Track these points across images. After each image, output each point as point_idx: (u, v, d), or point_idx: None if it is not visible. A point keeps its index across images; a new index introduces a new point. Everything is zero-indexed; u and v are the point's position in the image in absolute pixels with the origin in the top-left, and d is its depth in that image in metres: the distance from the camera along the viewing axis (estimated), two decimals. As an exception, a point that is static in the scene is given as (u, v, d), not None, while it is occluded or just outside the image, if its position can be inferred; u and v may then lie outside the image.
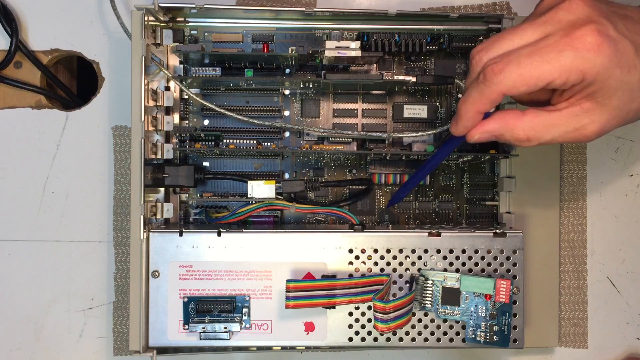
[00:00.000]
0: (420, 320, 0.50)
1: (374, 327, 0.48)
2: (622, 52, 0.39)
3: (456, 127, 0.43)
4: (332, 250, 0.50)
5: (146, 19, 0.51)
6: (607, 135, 0.58)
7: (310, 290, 0.48)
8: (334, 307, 0.49)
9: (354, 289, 0.49)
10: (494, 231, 0.51)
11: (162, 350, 0.51)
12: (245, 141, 0.55)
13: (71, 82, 0.68)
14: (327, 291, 0.48)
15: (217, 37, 0.56)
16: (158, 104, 0.53)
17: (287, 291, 0.48)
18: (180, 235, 0.50)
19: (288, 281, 0.48)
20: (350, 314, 0.50)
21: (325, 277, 0.50)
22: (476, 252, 0.50)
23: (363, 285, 0.49)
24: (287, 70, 0.56)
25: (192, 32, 0.56)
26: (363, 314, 0.50)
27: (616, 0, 0.43)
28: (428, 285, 0.50)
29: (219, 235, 0.50)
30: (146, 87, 0.51)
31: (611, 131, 0.42)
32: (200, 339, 0.50)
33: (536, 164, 0.55)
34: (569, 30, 0.39)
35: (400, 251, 0.50)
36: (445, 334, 0.50)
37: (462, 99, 0.42)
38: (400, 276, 0.50)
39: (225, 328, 0.50)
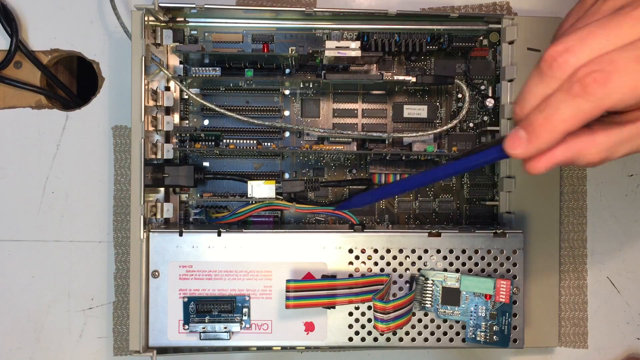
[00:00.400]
0: (420, 320, 0.50)
1: (374, 327, 0.48)
2: None
3: (526, 147, 0.34)
4: (332, 250, 0.50)
5: (146, 19, 0.51)
6: (607, 135, 0.58)
7: (310, 290, 0.48)
8: (334, 307, 0.49)
9: (353, 289, 0.49)
10: (494, 231, 0.51)
11: (162, 350, 0.51)
12: (245, 141, 0.55)
13: (71, 82, 0.68)
14: (327, 291, 0.48)
15: (217, 37, 0.56)
16: (158, 104, 0.53)
17: (287, 291, 0.48)
18: (180, 235, 0.50)
19: (288, 281, 0.48)
20: (350, 314, 0.50)
21: (325, 277, 0.50)
22: (476, 252, 0.50)
23: (363, 285, 0.49)
24: (287, 70, 0.56)
25: (192, 32, 0.56)
26: (363, 314, 0.50)
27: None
28: (428, 285, 0.50)
29: (219, 235, 0.50)
30: (146, 87, 0.51)
31: None
32: (200, 339, 0.50)
33: (536, 164, 0.55)
34: None
35: (400, 251, 0.50)
36: (445, 334, 0.50)
37: (545, 114, 0.33)
38: (400, 276, 0.50)
39: (225, 328, 0.50)
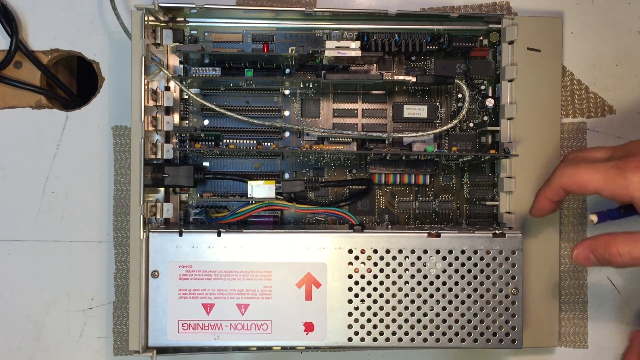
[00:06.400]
0: (419, 321, 0.50)
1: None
2: None
3: None
4: (332, 250, 0.50)
5: (146, 19, 0.51)
6: (607, 135, 0.58)
7: None
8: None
9: None
10: (493, 232, 0.51)
11: (162, 350, 0.51)
12: (245, 141, 0.55)
13: (71, 82, 0.68)
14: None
15: (217, 37, 0.56)
16: (158, 104, 0.53)
17: None
18: (180, 235, 0.50)
19: None
20: (350, 314, 0.50)
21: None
22: (475, 252, 0.50)
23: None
24: (287, 70, 0.56)
25: (192, 32, 0.56)
26: (362, 314, 0.50)
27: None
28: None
29: (219, 235, 0.50)
30: (146, 87, 0.51)
31: None
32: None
33: (536, 164, 0.55)
34: None
35: (400, 251, 0.50)
36: (444, 334, 0.50)
37: None
38: (400, 277, 0.50)
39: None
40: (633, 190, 0.43)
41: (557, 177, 0.47)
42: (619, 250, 0.44)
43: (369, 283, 0.50)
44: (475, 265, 0.50)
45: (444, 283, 0.50)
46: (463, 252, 0.50)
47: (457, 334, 0.50)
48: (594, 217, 0.47)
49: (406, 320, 0.50)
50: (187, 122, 0.57)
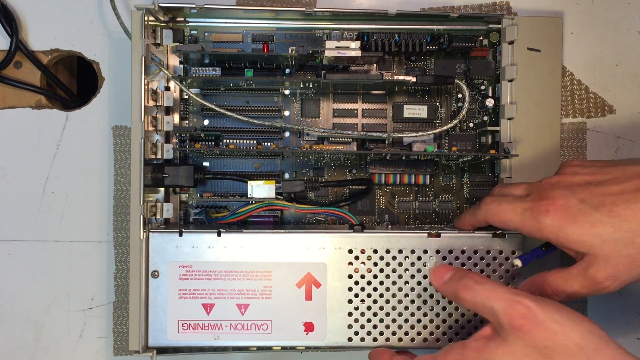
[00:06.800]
0: (419, 321, 0.50)
1: None
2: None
3: None
4: (332, 250, 0.50)
5: (146, 19, 0.51)
6: (606, 135, 0.58)
7: None
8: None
9: None
10: (493, 232, 0.51)
11: (162, 350, 0.51)
12: (245, 141, 0.55)
13: (71, 82, 0.68)
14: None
15: (217, 37, 0.56)
16: (158, 104, 0.53)
17: None
18: (180, 235, 0.50)
19: None
20: (350, 314, 0.50)
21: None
22: (475, 252, 0.50)
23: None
24: (287, 70, 0.56)
25: (192, 32, 0.56)
26: (362, 314, 0.50)
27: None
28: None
29: (219, 235, 0.50)
30: (146, 87, 0.51)
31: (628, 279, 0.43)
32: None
33: (536, 164, 0.55)
34: None
35: (400, 252, 0.50)
36: (444, 334, 0.50)
37: None
38: (400, 277, 0.50)
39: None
40: (547, 233, 0.44)
41: (483, 211, 0.48)
42: (553, 289, 0.45)
43: (369, 283, 0.50)
44: (476, 265, 0.50)
45: (444, 283, 0.50)
46: (463, 252, 0.50)
47: (457, 334, 0.50)
48: (518, 262, 0.48)
49: (406, 320, 0.50)
50: (187, 122, 0.57)
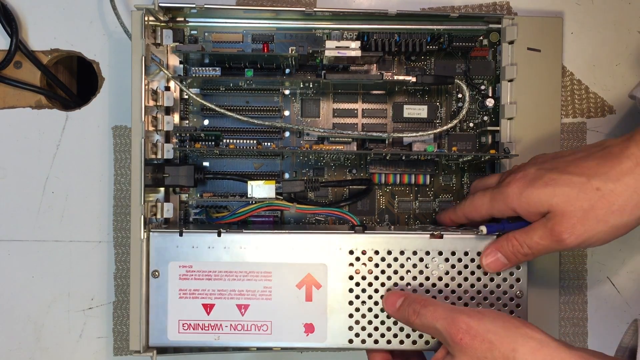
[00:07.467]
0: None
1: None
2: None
3: None
4: (333, 251, 0.50)
5: (146, 19, 0.51)
6: (607, 135, 0.58)
7: None
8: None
9: None
10: (496, 233, 0.50)
11: (162, 350, 0.51)
12: (245, 141, 0.55)
13: (71, 82, 0.68)
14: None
15: (217, 37, 0.56)
16: (158, 104, 0.53)
17: None
18: (180, 235, 0.50)
19: None
20: (351, 315, 0.50)
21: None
22: (478, 254, 0.50)
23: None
24: (287, 70, 0.56)
25: (192, 32, 0.56)
26: (364, 315, 0.50)
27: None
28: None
29: (219, 235, 0.50)
30: (146, 87, 0.51)
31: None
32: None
33: (536, 164, 0.55)
34: None
35: (402, 253, 0.50)
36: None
37: None
38: (402, 278, 0.50)
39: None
40: (510, 202, 0.47)
41: (460, 206, 0.52)
42: (518, 241, 0.47)
43: (370, 284, 0.50)
44: (479, 267, 0.50)
45: (447, 285, 0.50)
46: (466, 253, 0.50)
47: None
48: (483, 229, 0.49)
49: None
50: (187, 122, 0.57)
